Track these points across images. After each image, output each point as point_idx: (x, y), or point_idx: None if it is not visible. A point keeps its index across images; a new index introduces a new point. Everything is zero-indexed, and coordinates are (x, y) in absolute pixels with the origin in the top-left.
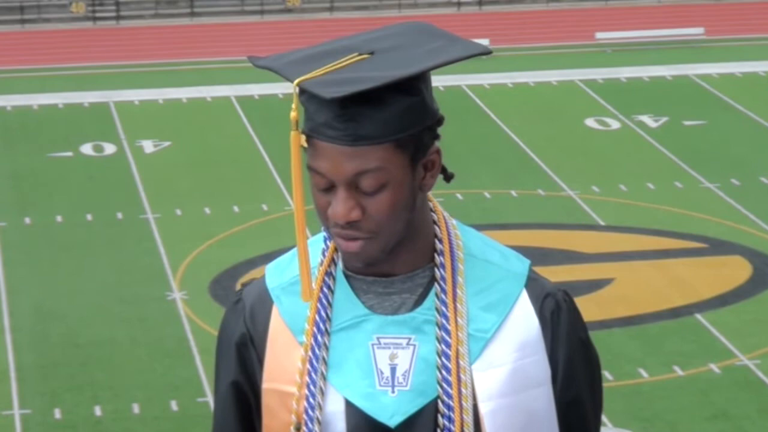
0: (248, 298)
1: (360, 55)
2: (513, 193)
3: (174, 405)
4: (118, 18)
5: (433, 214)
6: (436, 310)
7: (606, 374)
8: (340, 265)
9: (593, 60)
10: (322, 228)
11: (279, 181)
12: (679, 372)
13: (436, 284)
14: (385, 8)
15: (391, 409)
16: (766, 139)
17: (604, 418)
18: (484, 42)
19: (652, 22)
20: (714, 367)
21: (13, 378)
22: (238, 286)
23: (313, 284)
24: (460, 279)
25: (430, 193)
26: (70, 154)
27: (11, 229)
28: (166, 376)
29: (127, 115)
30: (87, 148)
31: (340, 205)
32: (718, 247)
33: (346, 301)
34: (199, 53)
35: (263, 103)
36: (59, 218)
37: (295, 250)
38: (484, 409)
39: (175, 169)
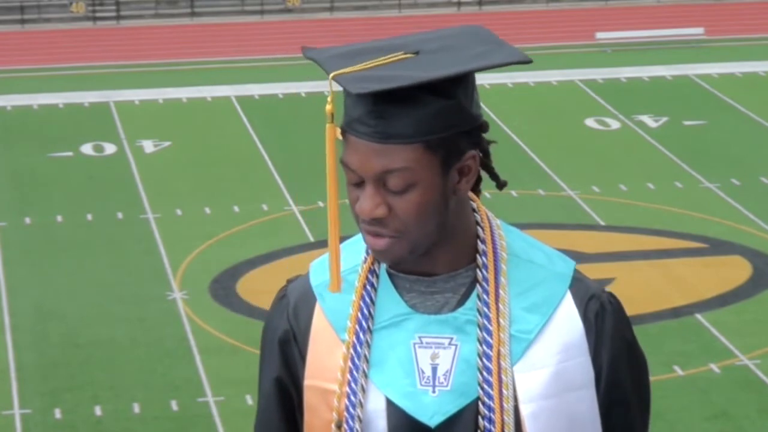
0: (292, 294)
1: (405, 54)
2: (513, 193)
3: (174, 405)
4: (118, 18)
5: (476, 214)
6: (478, 310)
7: None
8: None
9: (593, 60)
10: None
11: (279, 181)
12: (679, 372)
13: (478, 285)
14: (385, 8)
15: (431, 408)
16: (766, 139)
17: None
18: None
19: (652, 22)
20: (714, 367)
21: (13, 378)
22: (283, 282)
23: (356, 281)
24: (503, 279)
25: (472, 194)
26: (70, 154)
27: (11, 229)
28: (166, 376)
29: (127, 115)
30: (87, 148)
31: (367, 202)
32: (718, 247)
33: (389, 299)
34: (199, 53)
35: (263, 103)
36: (59, 218)
37: (338, 247)
38: (525, 411)
39: (175, 169)
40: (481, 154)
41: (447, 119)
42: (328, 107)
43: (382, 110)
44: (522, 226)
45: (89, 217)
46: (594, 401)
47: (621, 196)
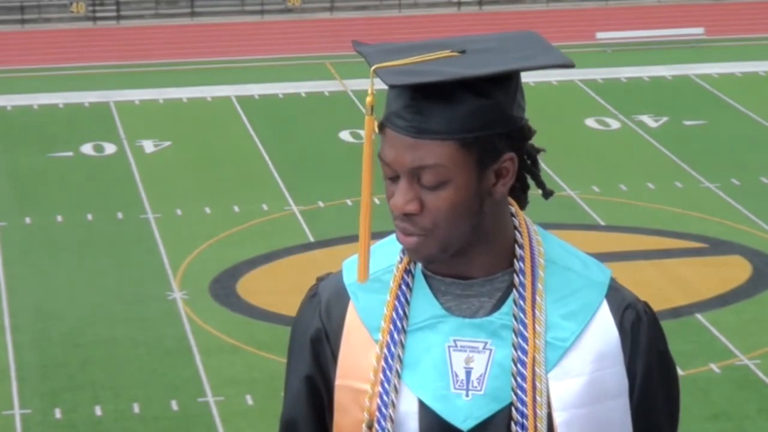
0: (324, 292)
1: (451, 52)
2: None
3: (174, 405)
4: (118, 18)
5: (514, 219)
6: (514, 316)
7: None
8: (420, 264)
9: (593, 60)
10: None
11: (279, 181)
12: (680, 372)
13: (514, 290)
14: (385, 8)
15: (464, 412)
16: (766, 139)
17: None
18: None
19: (652, 22)
20: (714, 367)
21: (14, 378)
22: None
23: (391, 282)
24: (539, 286)
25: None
26: (70, 154)
27: (11, 229)
28: (166, 376)
29: (127, 115)
30: (87, 148)
31: (399, 196)
32: (718, 247)
33: (424, 300)
34: (199, 53)
35: (263, 103)
36: (59, 218)
37: (372, 247)
38: (558, 419)
39: (175, 169)
40: (529, 161)
41: (484, 119)
42: (369, 99)
43: (420, 105)
44: None
45: (89, 217)
46: (627, 411)
47: (621, 196)
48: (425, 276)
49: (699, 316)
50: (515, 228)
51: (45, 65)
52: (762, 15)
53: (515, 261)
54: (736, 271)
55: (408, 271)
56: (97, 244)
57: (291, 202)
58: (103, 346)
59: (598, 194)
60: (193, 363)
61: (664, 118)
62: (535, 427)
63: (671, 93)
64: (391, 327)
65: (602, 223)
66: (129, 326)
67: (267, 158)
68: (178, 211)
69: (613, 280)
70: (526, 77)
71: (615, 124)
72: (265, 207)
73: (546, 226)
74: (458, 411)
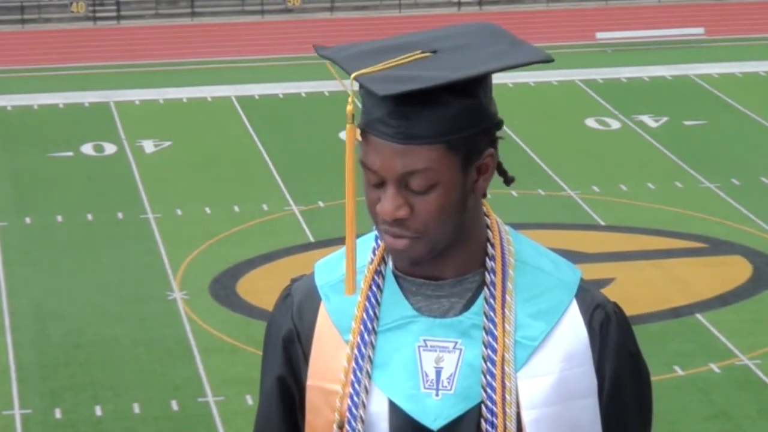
0: (297, 294)
1: (423, 53)
2: (513, 193)
3: (174, 405)
4: (118, 18)
5: (486, 218)
6: (484, 314)
7: None
8: (390, 264)
9: (593, 60)
10: (373, 225)
11: (279, 181)
12: (679, 372)
13: (485, 288)
14: (385, 8)
15: (434, 412)
16: (766, 139)
17: None
18: None
19: (652, 22)
20: (714, 367)
21: (14, 378)
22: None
23: (361, 282)
24: (509, 285)
25: (484, 199)
26: (70, 154)
27: (11, 229)
28: (166, 376)
29: (127, 115)
30: (87, 148)
31: (388, 202)
32: (718, 247)
33: (394, 301)
34: (199, 53)
35: (263, 103)
36: (59, 218)
37: (342, 250)
38: (527, 418)
39: (175, 169)
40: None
41: (468, 119)
42: (349, 108)
43: (405, 111)
44: (522, 226)
45: (89, 217)
46: (596, 411)
47: (621, 196)
48: (396, 277)
49: (699, 316)
50: (487, 227)
51: (45, 65)
52: (762, 15)
53: (487, 259)
54: (736, 271)
55: (378, 272)
56: (97, 244)
57: (291, 202)
58: (103, 346)
59: (598, 194)
60: (193, 363)
61: (664, 118)
62: (505, 425)
63: (671, 93)
64: (362, 328)
65: (602, 223)
66: (129, 326)
67: (267, 158)
68: (178, 211)
69: (583, 281)
70: (526, 78)
71: (615, 124)
72: (265, 207)
73: (546, 226)
74: (428, 411)
